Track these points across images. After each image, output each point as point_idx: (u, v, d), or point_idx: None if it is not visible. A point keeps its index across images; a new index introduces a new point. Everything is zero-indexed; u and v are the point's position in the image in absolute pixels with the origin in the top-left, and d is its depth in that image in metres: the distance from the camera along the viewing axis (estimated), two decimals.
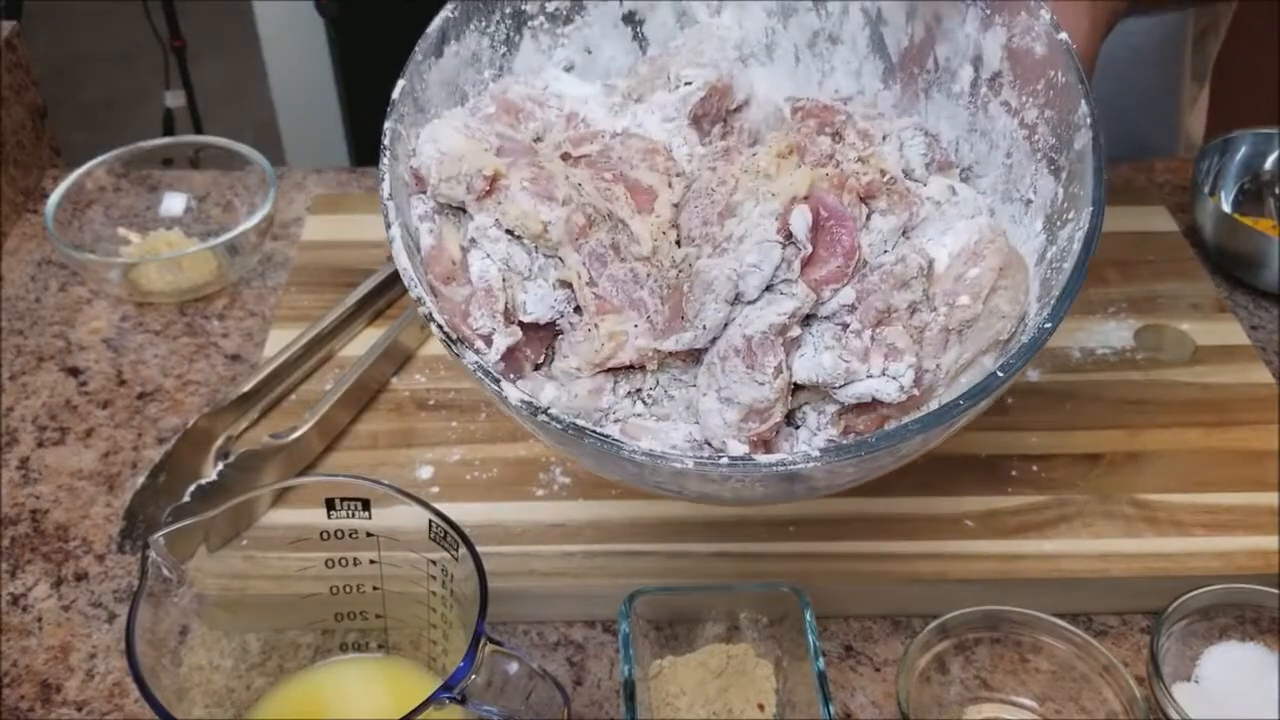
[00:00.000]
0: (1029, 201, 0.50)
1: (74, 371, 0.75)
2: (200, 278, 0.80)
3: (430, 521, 0.51)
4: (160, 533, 0.49)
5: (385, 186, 0.48)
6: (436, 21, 0.52)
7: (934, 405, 0.46)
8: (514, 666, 0.47)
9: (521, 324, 0.48)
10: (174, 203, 0.86)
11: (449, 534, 0.50)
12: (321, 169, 0.93)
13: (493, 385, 0.44)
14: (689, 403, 0.48)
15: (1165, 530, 0.63)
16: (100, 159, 0.84)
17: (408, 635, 0.56)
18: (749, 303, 0.46)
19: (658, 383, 0.48)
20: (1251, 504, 0.65)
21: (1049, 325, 0.43)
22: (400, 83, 0.50)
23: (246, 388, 0.69)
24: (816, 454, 0.43)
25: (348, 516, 0.52)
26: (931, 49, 0.53)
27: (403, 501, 0.51)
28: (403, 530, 0.52)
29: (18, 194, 0.88)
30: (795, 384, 0.47)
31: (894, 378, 0.46)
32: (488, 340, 0.47)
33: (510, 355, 0.48)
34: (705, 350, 0.47)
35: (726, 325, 0.46)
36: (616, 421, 0.48)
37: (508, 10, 0.54)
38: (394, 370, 0.72)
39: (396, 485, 0.52)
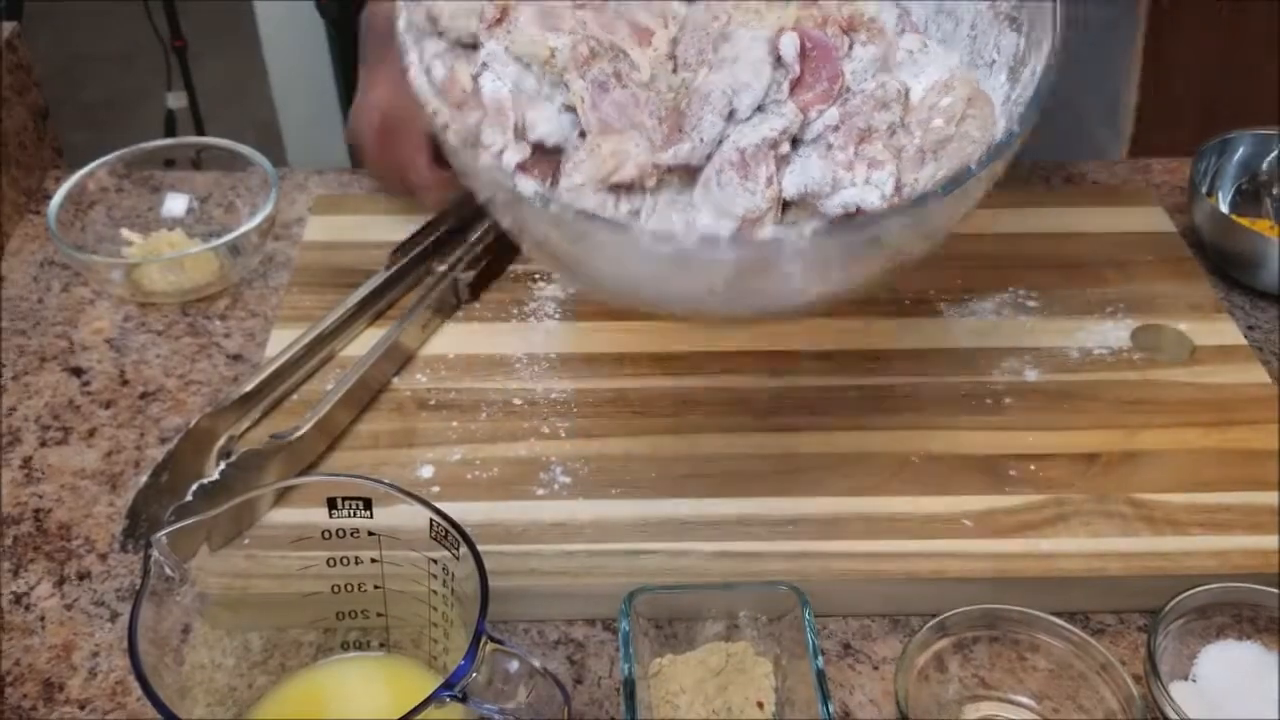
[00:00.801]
0: (993, 62, 0.53)
1: (76, 371, 0.76)
2: (202, 278, 0.80)
3: (431, 521, 0.51)
4: (162, 532, 0.49)
5: (402, 22, 0.49)
6: None
7: None
8: (515, 665, 0.47)
9: (531, 144, 0.50)
10: (176, 203, 0.87)
11: (450, 533, 0.50)
12: (323, 170, 0.94)
13: (507, 182, 0.47)
14: (686, 223, 0.50)
15: (1162, 530, 0.63)
16: (102, 160, 0.84)
17: (409, 634, 0.56)
18: (742, 120, 0.49)
19: (655, 206, 0.49)
20: (1249, 504, 0.65)
21: (1016, 129, 0.46)
22: None
23: (248, 388, 0.69)
24: (808, 232, 0.45)
25: (349, 516, 0.53)
26: None
27: (404, 501, 0.52)
28: (404, 529, 0.52)
29: (20, 194, 0.88)
30: (785, 202, 0.49)
31: (876, 186, 0.48)
32: (498, 158, 0.49)
33: (520, 172, 0.49)
34: (700, 170, 0.49)
35: (721, 143, 0.49)
36: None
37: None
38: (395, 370, 0.72)
39: (398, 485, 0.52)
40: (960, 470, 0.67)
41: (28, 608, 0.62)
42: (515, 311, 0.77)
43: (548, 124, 0.50)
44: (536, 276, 0.80)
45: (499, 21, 0.50)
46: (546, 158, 0.51)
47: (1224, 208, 0.86)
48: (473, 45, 0.51)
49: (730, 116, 0.49)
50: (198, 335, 0.78)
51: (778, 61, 0.49)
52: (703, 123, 0.49)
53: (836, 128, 0.50)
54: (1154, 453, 0.68)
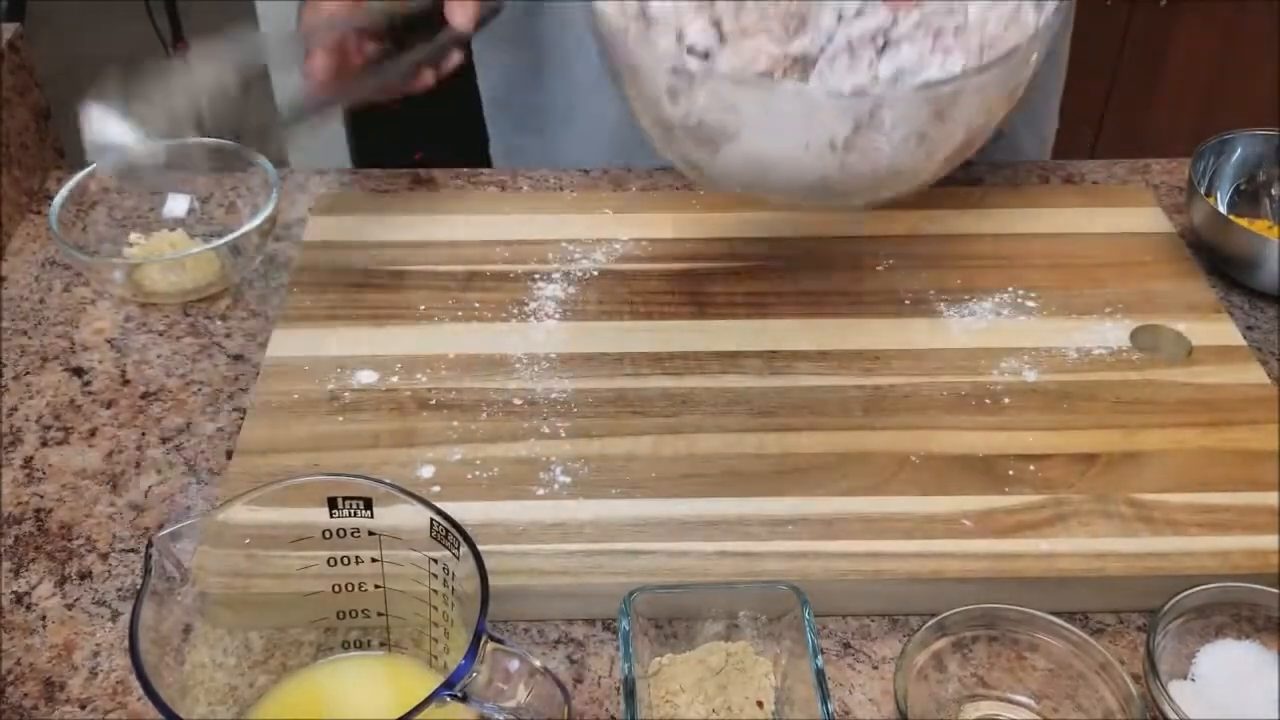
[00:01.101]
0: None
1: (78, 371, 0.76)
2: (203, 278, 0.80)
3: (432, 520, 0.51)
4: (164, 531, 0.49)
5: None
6: None
7: None
8: (515, 664, 0.47)
9: (685, 47, 0.62)
10: (177, 204, 0.87)
11: (450, 533, 0.51)
12: (324, 170, 0.94)
13: (677, 60, 0.59)
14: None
15: (1161, 530, 0.63)
16: None
17: (409, 633, 0.56)
18: (848, 21, 0.61)
19: None
20: (1248, 504, 0.65)
21: (1053, 19, 0.60)
22: None
23: None
24: (908, 85, 0.59)
25: (350, 515, 0.53)
26: None
27: (404, 500, 0.52)
28: (404, 529, 0.52)
29: (21, 195, 0.89)
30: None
31: (950, 68, 0.61)
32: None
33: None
34: (815, 64, 0.62)
35: (831, 39, 0.61)
36: None
37: None
38: None
39: (398, 484, 0.52)
40: (960, 470, 0.67)
41: (29, 607, 0.62)
42: (515, 311, 0.77)
43: (699, 33, 0.62)
44: (536, 276, 0.80)
45: None
46: (696, 59, 0.62)
47: (1222, 208, 0.86)
48: None
49: (839, 20, 0.62)
50: (199, 335, 0.78)
51: None
52: (821, 17, 0.62)
53: (918, 26, 0.61)
54: (1153, 453, 0.68)
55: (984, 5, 0.63)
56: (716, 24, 0.63)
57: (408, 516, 0.52)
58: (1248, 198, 0.87)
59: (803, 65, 0.63)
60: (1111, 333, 0.76)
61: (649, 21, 0.64)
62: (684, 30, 0.63)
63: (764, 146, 0.60)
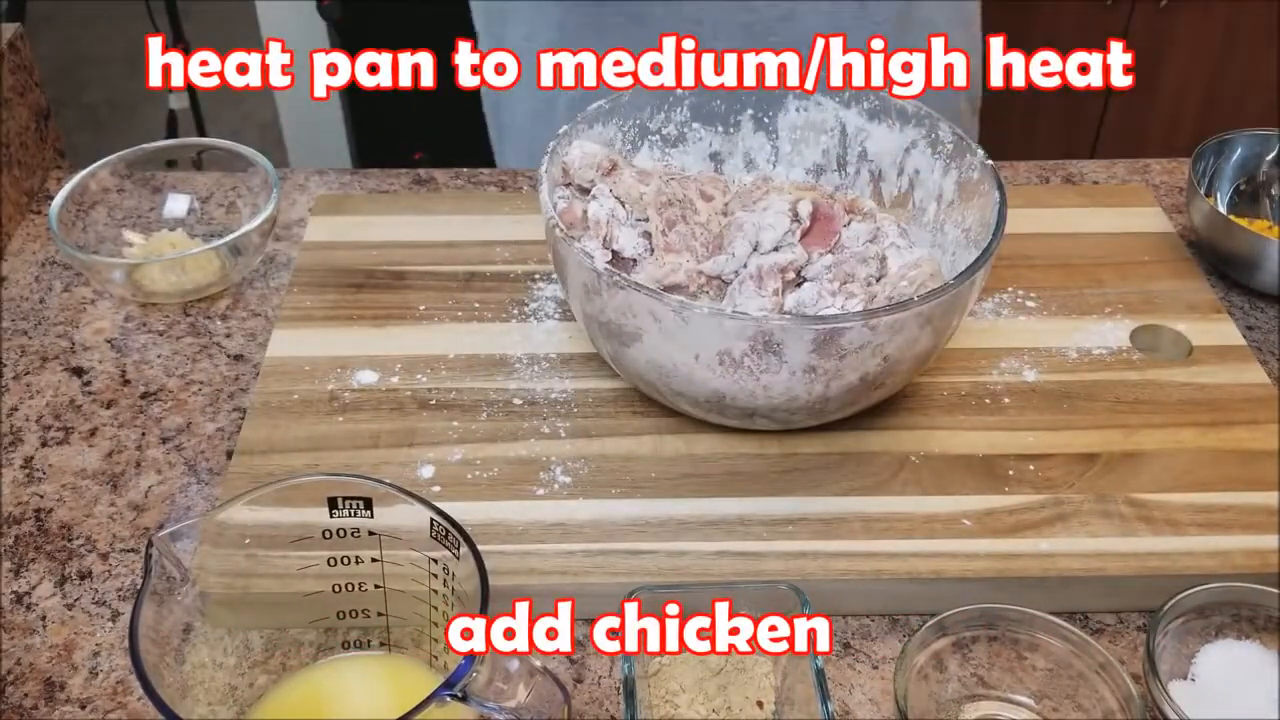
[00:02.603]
0: (954, 253, 0.72)
1: (78, 371, 0.76)
2: (203, 278, 0.80)
3: (432, 520, 0.51)
4: (164, 531, 0.49)
5: (543, 173, 0.68)
6: (591, 108, 0.74)
7: None
8: (515, 664, 0.48)
9: (613, 252, 0.69)
10: (177, 204, 0.87)
11: (450, 533, 0.51)
12: (324, 170, 0.94)
13: (588, 260, 0.62)
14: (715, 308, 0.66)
15: (1161, 529, 0.64)
16: (104, 160, 0.84)
17: (409, 633, 0.56)
18: (763, 252, 0.68)
19: None
20: (1247, 503, 0.65)
21: (957, 278, 0.62)
22: (564, 127, 0.72)
23: None
24: (792, 317, 0.63)
25: (350, 515, 0.53)
26: (912, 195, 0.76)
27: (404, 500, 0.52)
28: (405, 529, 0.52)
29: (21, 195, 0.89)
30: (785, 312, 0.67)
31: (847, 309, 0.66)
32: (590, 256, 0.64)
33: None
34: (729, 284, 0.68)
35: (746, 264, 0.68)
36: None
37: (635, 122, 0.77)
38: None
39: (398, 484, 0.52)
40: (960, 470, 0.67)
41: (29, 607, 0.62)
42: (515, 311, 0.77)
43: (627, 243, 0.69)
44: (536, 276, 0.80)
45: (609, 172, 0.72)
46: (623, 265, 0.69)
47: (1222, 208, 0.87)
48: (586, 191, 0.72)
49: (756, 248, 0.68)
50: (199, 335, 0.78)
51: (795, 217, 0.69)
52: (736, 243, 0.68)
53: (830, 269, 0.68)
54: (1153, 453, 0.68)
55: (906, 263, 0.69)
56: (647, 236, 0.70)
57: (408, 516, 0.52)
58: (1248, 198, 0.87)
59: (719, 283, 0.69)
60: (1111, 333, 0.76)
61: (586, 226, 0.70)
62: (613, 235, 0.69)
63: (660, 351, 0.63)
